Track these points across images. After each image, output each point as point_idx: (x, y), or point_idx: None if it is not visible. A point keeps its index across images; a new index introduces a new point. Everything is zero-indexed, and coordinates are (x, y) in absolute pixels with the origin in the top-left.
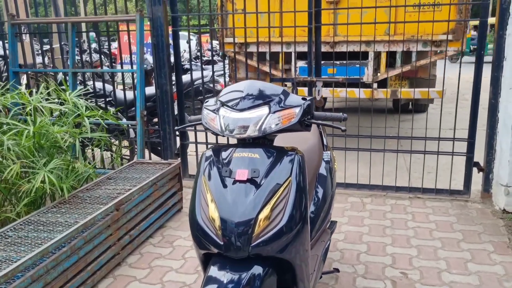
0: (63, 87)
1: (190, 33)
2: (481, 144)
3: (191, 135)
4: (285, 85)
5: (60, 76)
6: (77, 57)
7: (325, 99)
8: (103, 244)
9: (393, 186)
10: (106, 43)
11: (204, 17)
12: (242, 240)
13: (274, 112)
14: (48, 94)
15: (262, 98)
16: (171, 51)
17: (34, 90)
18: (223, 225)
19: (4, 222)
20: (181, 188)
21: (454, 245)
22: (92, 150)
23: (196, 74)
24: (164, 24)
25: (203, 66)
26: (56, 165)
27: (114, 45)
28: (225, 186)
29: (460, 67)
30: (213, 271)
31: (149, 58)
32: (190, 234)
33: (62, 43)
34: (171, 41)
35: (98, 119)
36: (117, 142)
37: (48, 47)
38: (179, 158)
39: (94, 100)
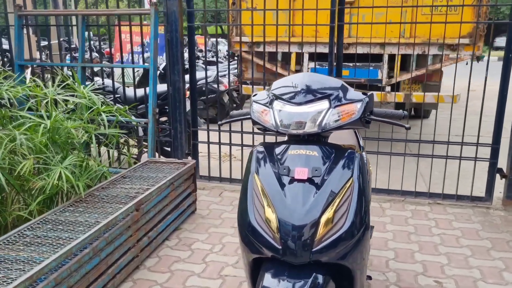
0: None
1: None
2: (503, 150)
3: (202, 135)
4: None
5: (65, 71)
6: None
7: None
8: (123, 246)
9: (412, 191)
10: (103, 41)
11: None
12: (303, 244)
13: (335, 107)
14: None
15: (321, 92)
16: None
17: (50, 83)
18: (281, 227)
19: (15, 220)
20: (195, 189)
21: (484, 253)
22: (107, 147)
23: (199, 74)
24: (179, 19)
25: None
26: (72, 162)
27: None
28: (282, 185)
29: (470, 72)
30: (268, 279)
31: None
32: (208, 237)
33: (61, 39)
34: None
35: (109, 116)
36: (124, 141)
37: (46, 43)
38: (190, 158)
39: (102, 96)
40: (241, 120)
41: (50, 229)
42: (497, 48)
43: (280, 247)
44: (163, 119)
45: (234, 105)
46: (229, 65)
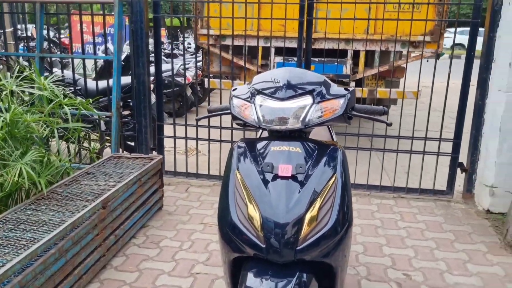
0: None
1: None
2: (464, 145)
3: (168, 129)
4: None
5: (21, 61)
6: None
7: None
8: (90, 245)
9: (377, 186)
10: (60, 29)
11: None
12: (287, 243)
13: (318, 102)
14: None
15: (304, 87)
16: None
17: (8, 74)
18: (264, 226)
19: None
20: (162, 185)
21: (449, 245)
22: (67, 141)
23: (164, 66)
24: (144, 10)
25: (167, 58)
26: (32, 158)
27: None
28: (265, 182)
29: (434, 69)
30: (250, 278)
31: (110, 47)
32: (176, 234)
33: (16, 26)
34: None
35: (72, 109)
36: (85, 135)
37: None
38: (155, 153)
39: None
40: (220, 115)
41: (11, 229)
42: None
43: (263, 246)
44: (126, 112)
45: (198, 98)
46: (196, 58)
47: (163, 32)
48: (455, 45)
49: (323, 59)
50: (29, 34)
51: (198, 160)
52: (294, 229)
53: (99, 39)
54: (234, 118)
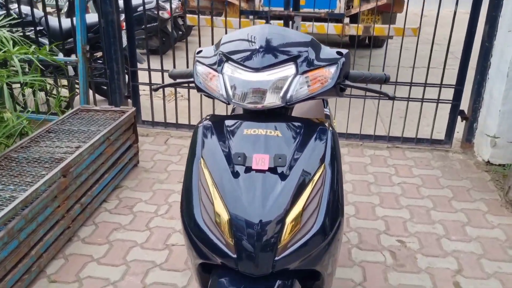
0: None
1: None
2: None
3: (143, 75)
4: (253, 21)
5: None
6: None
7: None
8: (50, 220)
9: (371, 135)
10: None
11: None
12: (264, 253)
13: (303, 72)
14: None
15: (286, 52)
16: None
17: None
18: (235, 231)
19: None
20: (136, 140)
21: (446, 204)
22: (23, 94)
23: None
24: None
25: None
26: None
27: None
28: (235, 175)
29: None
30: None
31: None
32: (152, 196)
33: None
34: None
35: (29, 56)
36: (53, 81)
37: None
38: (130, 101)
39: (20, 29)
40: (182, 84)
41: None
42: None
43: (234, 256)
44: (99, 54)
45: (180, 32)
46: None
47: None
48: None
49: None
50: None
51: (177, 109)
52: (271, 234)
53: None
54: (199, 89)
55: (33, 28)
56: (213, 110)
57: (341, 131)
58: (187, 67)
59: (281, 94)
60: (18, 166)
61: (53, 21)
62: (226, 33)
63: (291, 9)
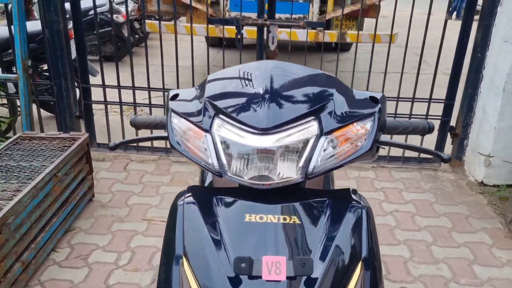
0: None
1: None
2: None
3: (96, 92)
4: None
5: None
6: None
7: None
8: None
9: None
10: None
11: None
12: None
13: (329, 132)
14: None
15: (303, 101)
16: None
17: None
18: None
19: None
20: (91, 171)
21: (447, 237)
22: None
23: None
24: None
25: None
26: None
27: None
28: (235, 283)
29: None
30: None
31: None
32: (111, 240)
33: None
34: None
35: None
36: None
37: None
38: (82, 120)
39: None
40: (149, 140)
41: None
42: None
43: None
44: (44, 67)
45: (137, 36)
46: None
47: None
48: None
49: None
50: None
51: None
52: None
53: None
54: (176, 151)
55: None
56: None
57: None
58: (148, 77)
59: (301, 163)
60: None
61: None
62: (192, 42)
63: (266, 16)
